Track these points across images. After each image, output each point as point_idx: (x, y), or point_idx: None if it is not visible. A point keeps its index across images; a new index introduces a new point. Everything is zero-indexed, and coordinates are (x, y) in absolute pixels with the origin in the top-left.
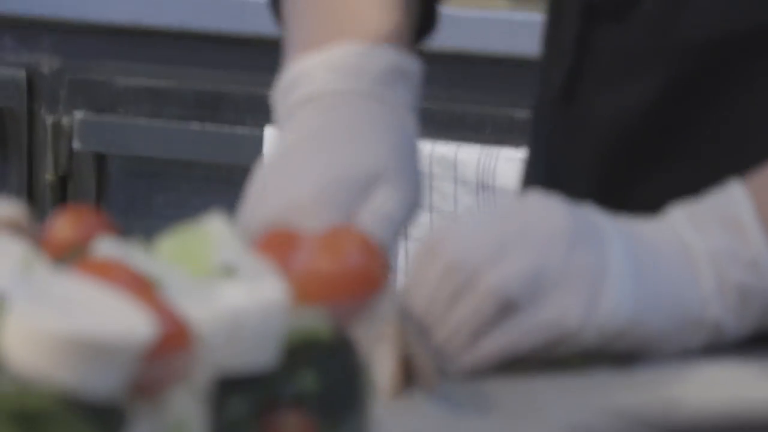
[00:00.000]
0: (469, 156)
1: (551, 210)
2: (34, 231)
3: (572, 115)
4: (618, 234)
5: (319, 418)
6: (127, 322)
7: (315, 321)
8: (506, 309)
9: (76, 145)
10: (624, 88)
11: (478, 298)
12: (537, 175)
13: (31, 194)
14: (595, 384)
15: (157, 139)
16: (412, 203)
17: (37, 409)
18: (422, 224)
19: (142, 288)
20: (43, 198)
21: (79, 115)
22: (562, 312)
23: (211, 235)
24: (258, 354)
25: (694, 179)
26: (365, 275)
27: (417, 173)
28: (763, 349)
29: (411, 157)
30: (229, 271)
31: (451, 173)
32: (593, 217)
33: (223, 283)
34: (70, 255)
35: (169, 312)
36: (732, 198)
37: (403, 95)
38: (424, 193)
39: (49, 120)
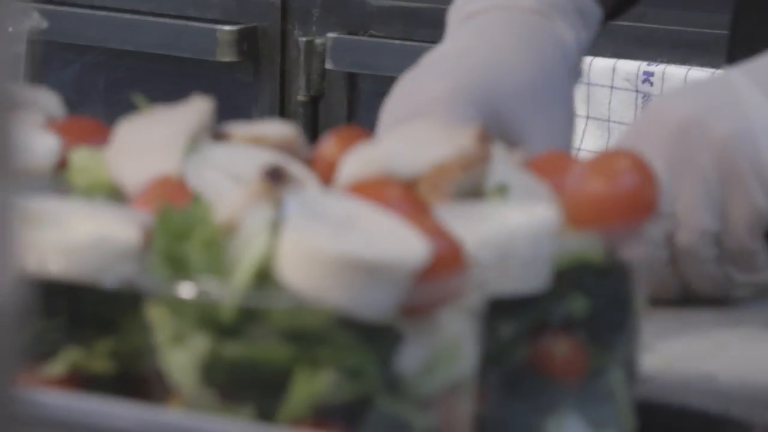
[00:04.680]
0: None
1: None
2: (304, 151)
3: None
4: None
5: (588, 341)
6: (400, 243)
7: (587, 244)
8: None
9: (329, 65)
10: None
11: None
12: None
13: (283, 114)
14: None
15: (408, 60)
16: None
17: (310, 327)
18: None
19: (416, 208)
20: (295, 118)
21: (332, 35)
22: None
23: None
24: (529, 276)
25: None
26: (639, 198)
27: (562, 103)
28: None
29: (558, 86)
30: (502, 191)
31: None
32: None
33: (496, 204)
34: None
35: (443, 233)
36: None
37: (575, 28)
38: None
39: (302, 40)
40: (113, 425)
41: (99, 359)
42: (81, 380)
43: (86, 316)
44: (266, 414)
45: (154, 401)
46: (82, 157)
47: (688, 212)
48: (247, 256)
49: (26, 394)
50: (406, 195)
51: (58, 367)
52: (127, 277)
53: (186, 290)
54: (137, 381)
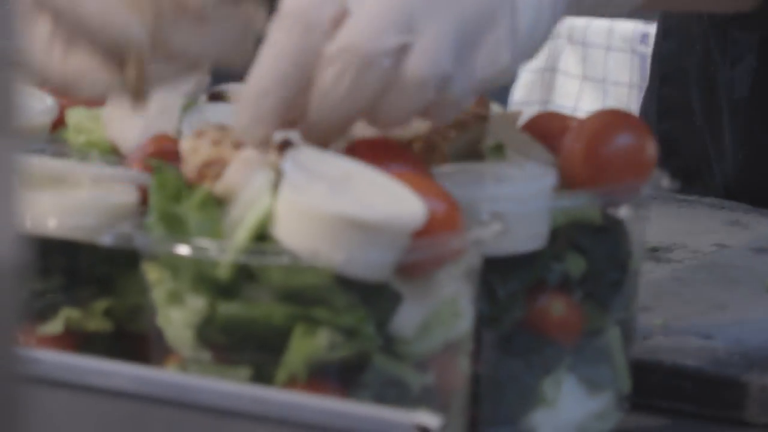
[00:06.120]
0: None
1: None
2: None
3: None
4: None
5: (585, 301)
6: (398, 202)
7: (584, 204)
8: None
9: None
10: None
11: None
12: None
13: None
14: None
15: None
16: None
17: (307, 286)
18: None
19: (414, 168)
20: None
21: None
22: (493, 58)
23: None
24: (526, 236)
25: None
26: (635, 157)
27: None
28: None
29: None
30: (499, 150)
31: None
32: None
33: (494, 164)
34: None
35: (440, 192)
36: None
37: None
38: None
39: None
40: (110, 384)
41: (96, 318)
42: (78, 339)
43: (83, 275)
44: (263, 374)
45: (151, 361)
46: (79, 117)
47: (430, 46)
48: (249, 216)
49: (25, 352)
50: (404, 155)
51: (55, 325)
52: (124, 235)
53: (183, 249)
54: (133, 340)
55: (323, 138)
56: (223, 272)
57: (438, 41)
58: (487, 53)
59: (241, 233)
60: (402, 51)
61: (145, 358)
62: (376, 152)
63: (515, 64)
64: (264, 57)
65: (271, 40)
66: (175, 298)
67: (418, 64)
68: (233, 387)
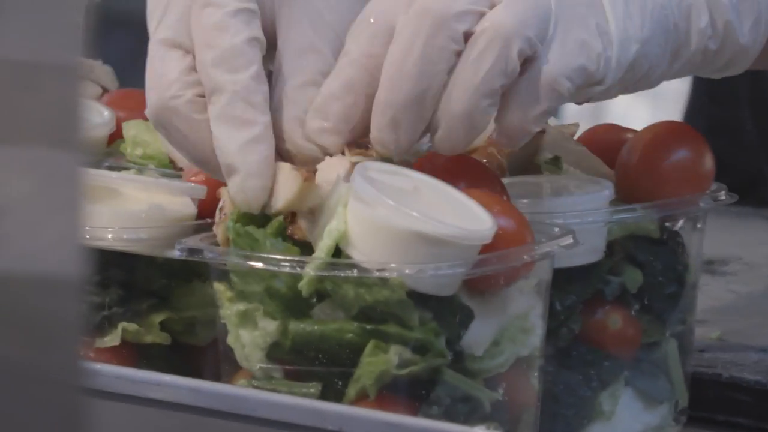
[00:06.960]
0: None
1: None
2: None
3: None
4: None
5: (642, 314)
6: (466, 217)
7: (641, 217)
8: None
9: None
10: None
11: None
12: None
13: None
14: None
15: None
16: None
17: (378, 299)
18: None
19: (483, 182)
20: None
21: None
22: (582, 43)
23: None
24: (584, 249)
25: None
26: (693, 170)
27: None
28: None
29: None
30: (557, 163)
31: None
32: None
33: (551, 178)
34: None
35: (508, 206)
36: None
37: None
38: None
39: None
40: (166, 396)
41: (152, 331)
42: (135, 351)
43: (140, 288)
44: (333, 390)
45: (221, 377)
46: (136, 130)
47: (511, 7)
48: (327, 234)
49: (88, 365)
50: (476, 169)
51: (112, 338)
52: (194, 249)
53: (257, 265)
54: (190, 351)
55: (396, 116)
56: (295, 289)
57: (519, 6)
58: (577, 38)
59: (319, 251)
60: (479, 16)
61: (201, 370)
62: (447, 167)
63: (612, 72)
64: (337, 66)
65: (345, 48)
66: (246, 319)
67: (500, 19)
68: (291, 400)
